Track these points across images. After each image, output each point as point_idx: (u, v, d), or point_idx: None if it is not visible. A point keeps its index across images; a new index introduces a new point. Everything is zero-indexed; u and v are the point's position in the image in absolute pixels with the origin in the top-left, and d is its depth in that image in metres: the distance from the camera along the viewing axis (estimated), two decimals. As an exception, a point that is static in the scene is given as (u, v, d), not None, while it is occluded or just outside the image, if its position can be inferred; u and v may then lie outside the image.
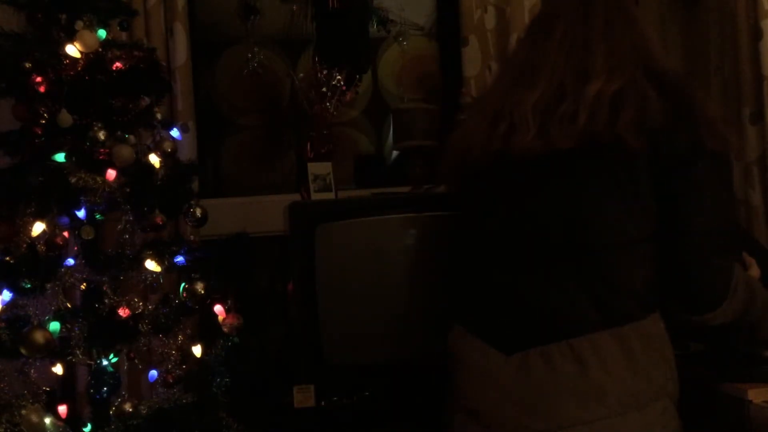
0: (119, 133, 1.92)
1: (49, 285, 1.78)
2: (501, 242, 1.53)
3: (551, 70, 1.51)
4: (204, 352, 2.00)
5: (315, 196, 2.21)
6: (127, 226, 1.94)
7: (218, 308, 2.03)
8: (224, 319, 2.01)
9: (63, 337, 1.79)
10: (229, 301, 2.04)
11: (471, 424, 1.52)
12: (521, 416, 1.43)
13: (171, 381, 1.96)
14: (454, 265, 1.70)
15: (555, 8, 1.62)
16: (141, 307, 1.91)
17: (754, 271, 1.63)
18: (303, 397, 1.97)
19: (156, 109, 2.05)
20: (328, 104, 2.32)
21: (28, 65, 1.82)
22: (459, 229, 1.70)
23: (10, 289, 1.75)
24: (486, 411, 1.49)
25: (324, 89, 2.31)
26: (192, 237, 2.33)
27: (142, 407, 1.91)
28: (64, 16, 1.90)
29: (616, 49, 1.50)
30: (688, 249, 1.45)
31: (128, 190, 1.88)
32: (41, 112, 1.85)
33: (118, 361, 1.92)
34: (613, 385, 1.40)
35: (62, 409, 1.93)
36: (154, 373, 2.02)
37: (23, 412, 1.64)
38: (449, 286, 1.70)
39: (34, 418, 1.64)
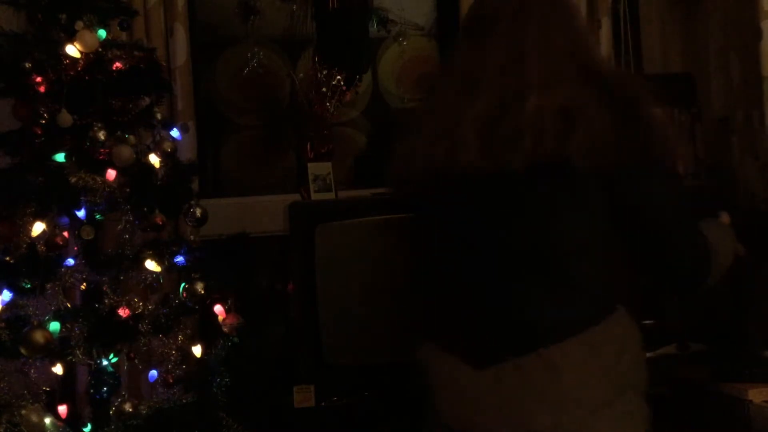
0: (119, 133, 1.92)
1: (49, 285, 1.79)
2: (461, 258, 1.52)
3: (489, 84, 1.46)
4: (204, 352, 2.00)
5: (315, 196, 2.21)
6: (127, 226, 1.94)
7: (218, 308, 2.03)
8: (224, 319, 2.01)
9: (63, 337, 1.79)
10: (229, 301, 2.04)
11: None
12: (494, 425, 1.44)
13: (171, 381, 1.96)
14: (417, 280, 1.68)
15: (487, 13, 1.54)
16: (141, 307, 1.91)
17: (725, 218, 1.66)
18: (303, 397, 1.98)
19: (156, 109, 2.04)
20: (328, 104, 2.32)
21: (28, 65, 1.83)
22: (415, 250, 1.69)
23: (10, 289, 1.76)
24: (460, 425, 1.49)
25: (324, 89, 2.32)
26: (192, 237, 2.32)
27: (142, 407, 1.91)
28: (64, 16, 1.90)
29: (551, 59, 1.45)
30: (663, 246, 1.46)
31: (128, 190, 1.88)
32: (41, 112, 1.85)
33: (118, 361, 1.92)
34: (585, 389, 1.41)
35: (62, 409, 1.93)
36: (154, 373, 2.02)
37: (23, 412, 1.64)
38: (415, 301, 1.68)
39: (34, 418, 1.64)
